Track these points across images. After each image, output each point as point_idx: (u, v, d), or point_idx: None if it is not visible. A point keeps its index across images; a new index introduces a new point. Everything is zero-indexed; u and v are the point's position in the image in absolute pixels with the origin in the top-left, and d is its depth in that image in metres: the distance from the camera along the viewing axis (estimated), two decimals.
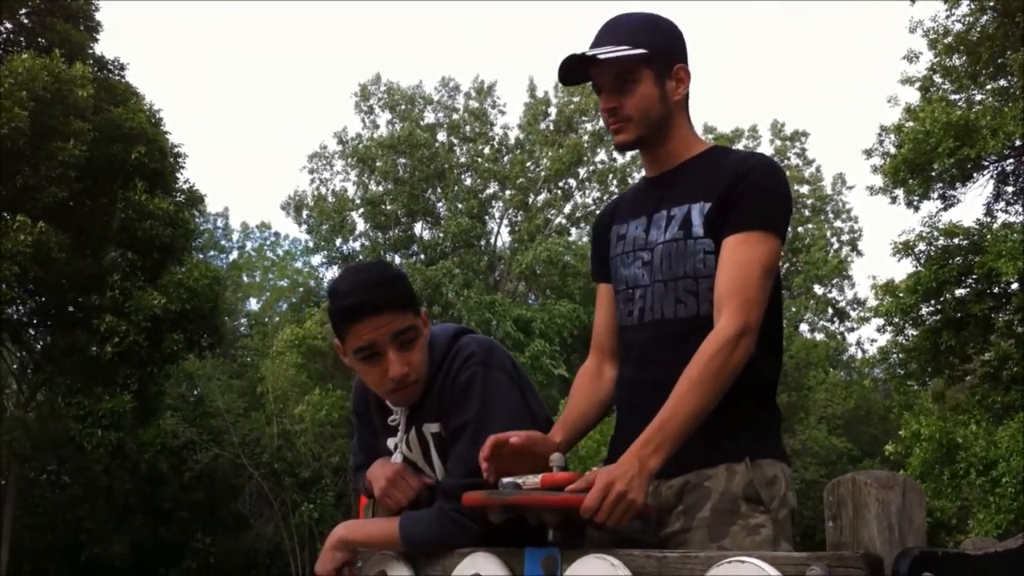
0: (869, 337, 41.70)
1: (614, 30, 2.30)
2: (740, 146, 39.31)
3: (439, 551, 2.26)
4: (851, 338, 40.14)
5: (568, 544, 2.01)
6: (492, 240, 36.89)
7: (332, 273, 39.31)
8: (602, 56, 2.24)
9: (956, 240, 17.43)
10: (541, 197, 36.38)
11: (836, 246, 39.30)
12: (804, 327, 39.00)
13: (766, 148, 39.90)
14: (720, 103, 66.34)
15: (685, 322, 2.18)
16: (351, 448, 2.76)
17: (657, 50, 2.27)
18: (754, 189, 2.19)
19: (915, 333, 18.10)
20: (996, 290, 17.16)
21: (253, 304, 41.90)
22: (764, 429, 2.25)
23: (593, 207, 36.31)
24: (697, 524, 2.15)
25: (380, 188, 35.92)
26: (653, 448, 1.99)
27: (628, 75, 2.26)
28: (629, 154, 36.89)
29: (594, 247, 2.54)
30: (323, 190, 37.53)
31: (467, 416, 2.30)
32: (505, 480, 2.04)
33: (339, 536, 2.45)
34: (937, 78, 18.67)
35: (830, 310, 39.02)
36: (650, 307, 2.28)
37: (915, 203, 18.08)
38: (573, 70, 2.33)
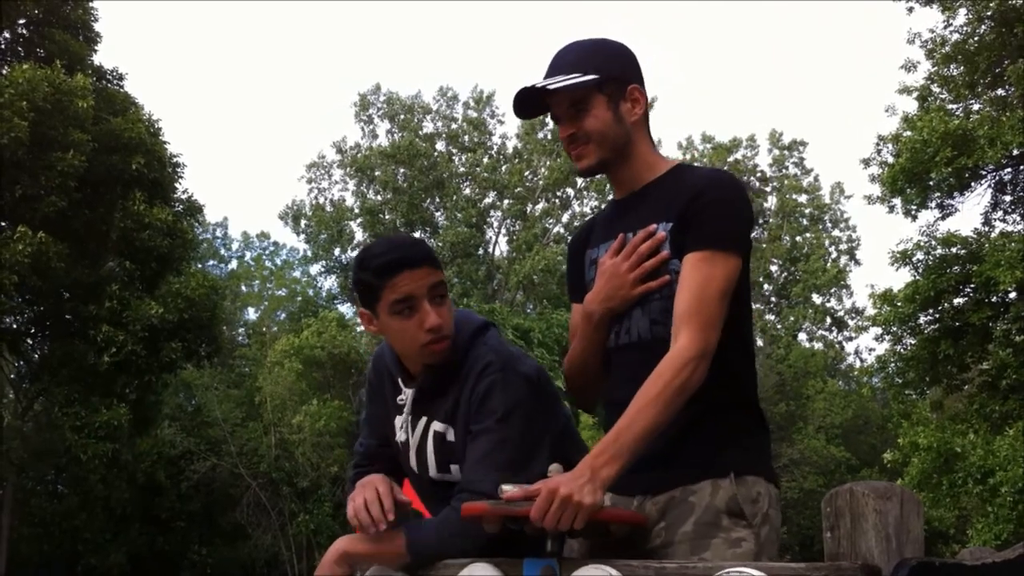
0: (867, 346, 41.50)
1: (564, 60, 2.32)
2: (738, 155, 39.42)
3: (448, 557, 2.22)
4: (849, 347, 40.20)
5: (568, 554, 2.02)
6: (490, 249, 36.92)
7: (330, 283, 39.34)
8: (552, 86, 2.26)
9: (954, 249, 17.42)
10: (539, 206, 36.42)
11: (834, 255, 39.31)
12: (802, 336, 39.00)
13: (764, 157, 39.97)
14: (718, 112, 66.47)
15: (663, 342, 2.18)
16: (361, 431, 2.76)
17: (607, 74, 2.28)
18: (712, 206, 2.20)
19: (913, 342, 18.08)
20: (994, 299, 17.15)
21: (251, 314, 41.88)
22: (751, 447, 2.26)
23: (591, 215, 36.35)
24: (680, 539, 2.16)
25: (379, 197, 35.97)
26: (607, 458, 2.00)
27: (581, 102, 2.28)
28: None
29: (569, 269, 2.55)
30: (321, 199, 37.57)
31: (487, 423, 2.31)
32: (504, 486, 2.05)
33: (341, 549, 2.35)
34: (935, 88, 18.69)
35: (828, 319, 39.01)
36: (626, 330, 2.31)
37: (913, 212, 18.09)
38: (528, 103, 2.36)
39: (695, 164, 2.49)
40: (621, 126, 2.30)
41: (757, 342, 37.05)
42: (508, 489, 2.03)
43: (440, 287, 2.36)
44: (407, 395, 2.47)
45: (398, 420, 2.51)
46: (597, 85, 2.27)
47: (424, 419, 2.45)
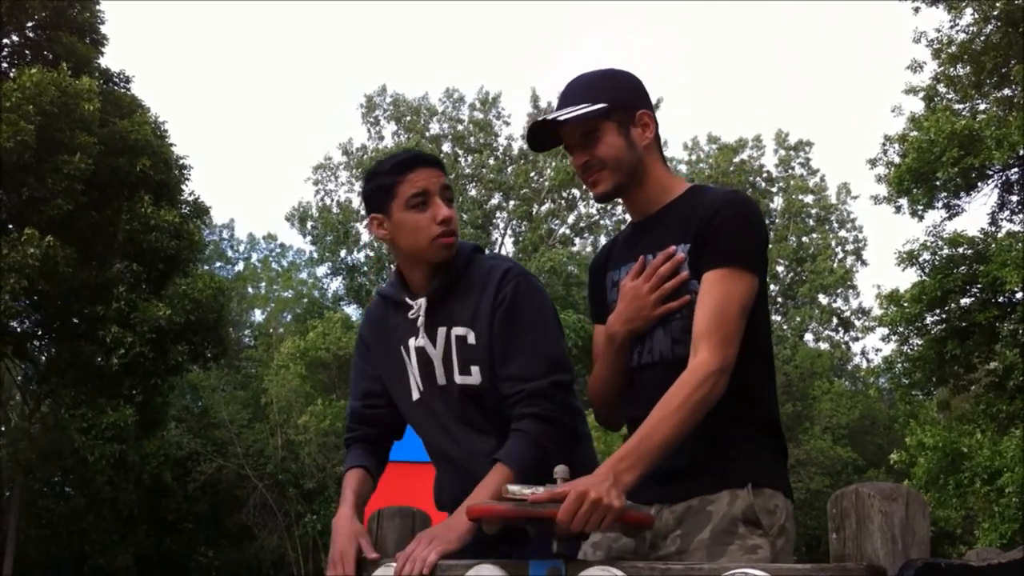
0: (874, 346, 41.50)
1: (572, 92, 2.38)
2: (744, 156, 39.37)
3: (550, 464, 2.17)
4: (856, 347, 40.14)
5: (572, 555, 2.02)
6: (496, 250, 36.92)
7: (336, 284, 39.38)
8: (563, 117, 2.32)
9: (960, 249, 17.39)
10: (545, 207, 36.42)
11: (841, 256, 39.24)
12: (809, 336, 38.94)
13: (770, 158, 39.90)
14: (724, 113, 66.40)
15: (684, 361, 2.21)
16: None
17: (616, 102, 2.34)
18: (727, 225, 2.25)
19: (920, 342, 18.04)
20: (1001, 299, 17.11)
21: (258, 315, 41.92)
22: (769, 460, 2.31)
23: (597, 216, 36.33)
24: (695, 546, 2.20)
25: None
26: (628, 464, 2.03)
27: (592, 131, 2.34)
28: None
29: (591, 291, 2.60)
30: (328, 201, 37.58)
31: (524, 322, 2.48)
32: (511, 487, 2.05)
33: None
34: (941, 88, 18.66)
35: (835, 320, 38.95)
36: (648, 349, 2.35)
37: (919, 212, 18.06)
38: (541, 136, 2.44)
39: (709, 184, 2.54)
40: (633, 151, 2.35)
41: None
42: (515, 489, 2.03)
43: (449, 191, 2.56)
44: (419, 305, 2.58)
45: (411, 341, 2.61)
46: (606, 113, 2.33)
47: (443, 328, 2.57)
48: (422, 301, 2.57)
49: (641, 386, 2.36)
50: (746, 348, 2.21)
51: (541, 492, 2.00)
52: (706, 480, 2.21)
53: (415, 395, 2.65)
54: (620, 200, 2.49)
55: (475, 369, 2.53)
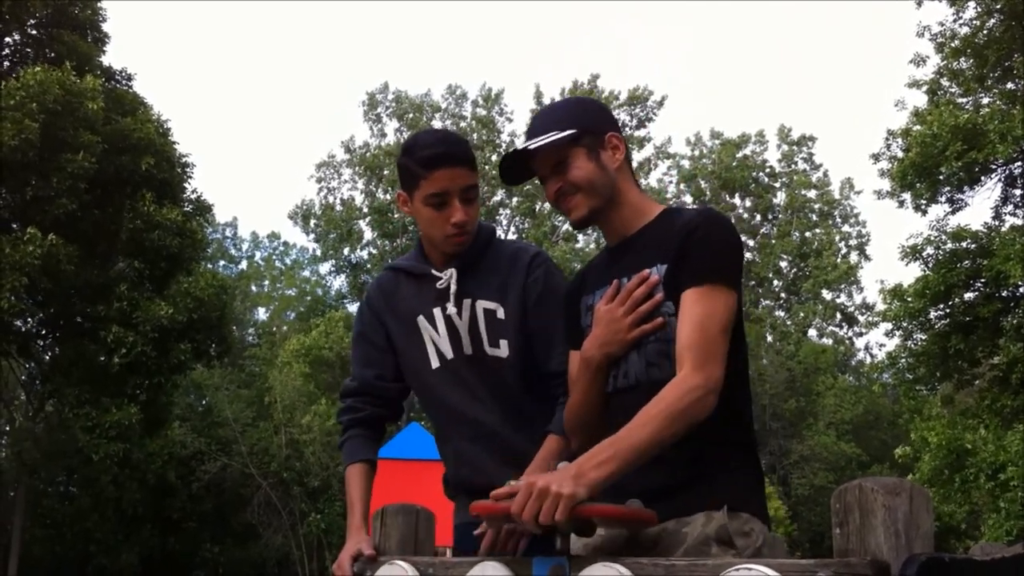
0: (878, 342, 41.57)
1: (540, 123, 2.39)
2: (747, 151, 39.39)
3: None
4: (860, 343, 40.27)
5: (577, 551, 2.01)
6: None
7: (340, 282, 39.42)
8: (533, 146, 2.32)
9: (964, 244, 17.38)
10: (548, 204, 36.43)
11: (844, 251, 39.27)
12: (813, 332, 38.98)
13: (773, 153, 39.95)
14: (727, 108, 66.38)
15: (659, 384, 2.18)
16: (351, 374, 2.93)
17: (584, 127, 2.34)
18: (705, 242, 2.23)
19: (924, 337, 18.05)
20: (1005, 293, 17.11)
21: (261, 314, 41.98)
22: (750, 485, 2.28)
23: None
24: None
25: (388, 196, 36.03)
26: (597, 462, 1.99)
27: (563, 159, 2.33)
28: (636, 159, 37.19)
29: (566, 317, 2.57)
30: (331, 199, 37.65)
31: (559, 307, 2.58)
32: (513, 482, 2.04)
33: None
34: (944, 81, 18.65)
35: (839, 315, 38.99)
36: (624, 373, 2.32)
37: (923, 207, 18.06)
38: (514, 170, 2.45)
39: (683, 207, 2.50)
40: (605, 174, 2.35)
41: (767, 338, 37.05)
42: (517, 484, 2.02)
43: (472, 190, 2.66)
44: (450, 275, 2.70)
45: (436, 310, 2.72)
46: (575, 139, 2.33)
47: (467, 300, 2.70)
48: (452, 271, 2.70)
49: (617, 410, 2.32)
50: (728, 369, 2.18)
51: (504, 487, 1.98)
52: (684, 501, 2.18)
53: (435, 363, 2.74)
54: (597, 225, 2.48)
55: (503, 343, 2.68)
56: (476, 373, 2.70)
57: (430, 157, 2.61)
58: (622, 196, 2.38)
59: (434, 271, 2.73)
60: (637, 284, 2.28)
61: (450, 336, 2.71)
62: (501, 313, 2.68)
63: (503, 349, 2.67)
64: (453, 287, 2.70)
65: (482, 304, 2.69)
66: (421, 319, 2.74)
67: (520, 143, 2.44)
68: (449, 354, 2.72)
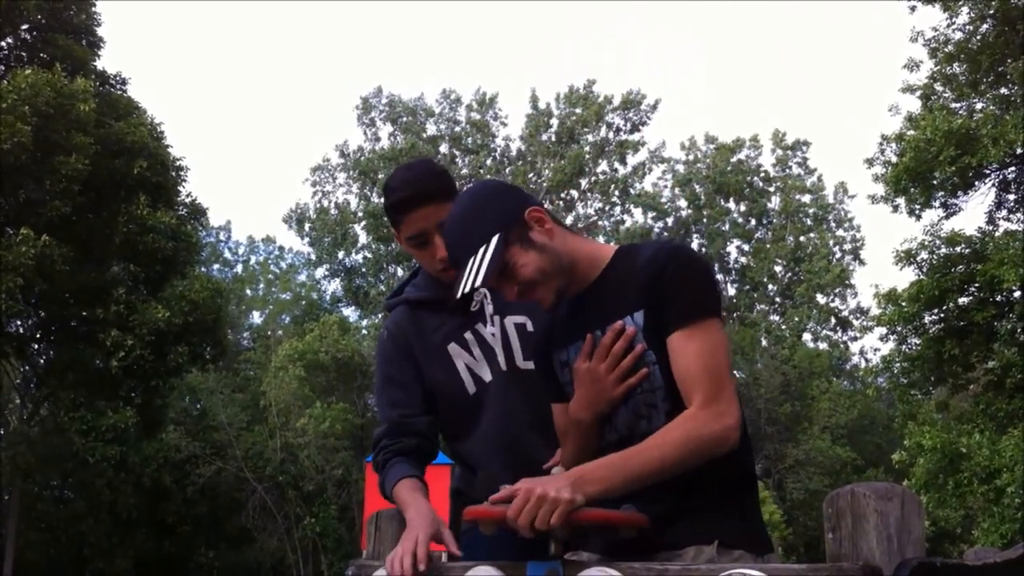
0: (872, 346, 41.41)
1: (458, 242, 2.26)
2: (742, 155, 39.42)
3: None
4: (854, 347, 40.16)
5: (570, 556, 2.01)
6: None
7: (334, 286, 39.40)
8: (479, 282, 2.18)
9: (958, 248, 17.39)
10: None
11: (838, 255, 39.31)
12: (807, 336, 38.98)
13: (767, 157, 39.96)
14: (722, 113, 66.47)
15: (646, 436, 2.13)
16: (380, 403, 2.81)
17: (503, 224, 2.22)
18: (680, 283, 2.17)
19: (918, 342, 18.05)
20: (999, 298, 17.12)
21: (256, 318, 41.89)
22: (741, 518, 2.22)
23: (595, 218, 36.36)
24: None
25: (382, 200, 35.98)
26: (600, 474, 1.98)
27: (504, 266, 2.22)
28: (631, 164, 37.22)
29: (541, 370, 2.51)
30: (325, 203, 37.62)
31: None
32: (510, 488, 2.04)
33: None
34: (938, 86, 18.67)
35: (833, 319, 39.00)
36: (614, 427, 2.28)
37: (917, 212, 18.07)
38: (466, 298, 2.28)
39: (636, 244, 2.40)
40: (548, 253, 2.24)
41: (762, 343, 37.06)
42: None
43: None
44: (483, 295, 2.69)
45: (468, 335, 2.70)
46: (503, 242, 2.21)
47: (497, 317, 2.70)
48: (483, 290, 2.64)
49: None
50: None
51: (501, 492, 1.98)
52: (674, 534, 2.14)
53: (471, 388, 2.69)
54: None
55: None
56: (514, 390, 2.66)
57: (400, 201, 2.62)
58: (573, 256, 2.28)
59: (443, 277, 2.62)
60: (614, 338, 2.21)
61: (486, 357, 2.69)
62: (531, 326, 2.68)
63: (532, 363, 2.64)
64: (489, 308, 2.69)
65: (512, 319, 2.70)
66: (453, 346, 2.71)
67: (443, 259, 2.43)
68: (487, 376, 2.69)
